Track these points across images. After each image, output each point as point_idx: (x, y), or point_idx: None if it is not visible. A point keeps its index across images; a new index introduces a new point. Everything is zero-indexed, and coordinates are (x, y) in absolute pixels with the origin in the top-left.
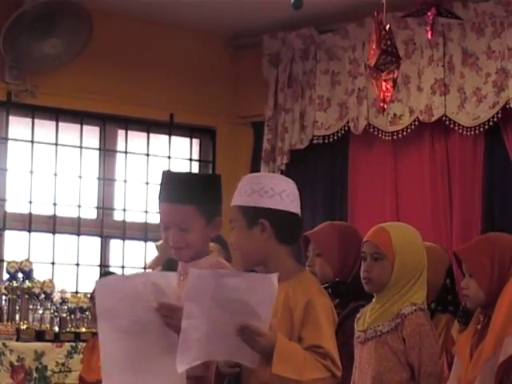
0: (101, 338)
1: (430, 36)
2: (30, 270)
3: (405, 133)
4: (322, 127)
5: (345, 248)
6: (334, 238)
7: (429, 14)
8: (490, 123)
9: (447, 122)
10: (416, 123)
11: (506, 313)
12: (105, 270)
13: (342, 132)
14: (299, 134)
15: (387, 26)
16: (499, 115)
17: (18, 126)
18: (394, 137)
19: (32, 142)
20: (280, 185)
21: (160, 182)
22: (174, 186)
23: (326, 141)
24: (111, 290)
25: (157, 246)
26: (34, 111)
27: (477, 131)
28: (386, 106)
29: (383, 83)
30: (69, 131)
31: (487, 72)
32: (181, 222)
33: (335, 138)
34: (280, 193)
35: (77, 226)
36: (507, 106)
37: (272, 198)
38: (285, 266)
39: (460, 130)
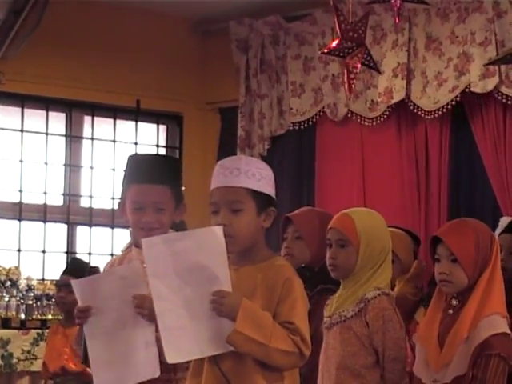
0: (88, 340)
1: (396, 20)
2: None
3: (382, 119)
4: (297, 113)
5: (324, 234)
6: (316, 223)
7: None
8: (449, 107)
9: (411, 107)
10: (377, 105)
11: (481, 295)
12: (72, 257)
13: (317, 117)
14: (278, 120)
15: (350, 12)
16: (458, 99)
17: None
18: (374, 123)
19: None
20: (272, 173)
21: (129, 165)
22: (150, 167)
23: (303, 127)
24: (88, 291)
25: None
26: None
27: (436, 115)
28: (352, 90)
29: (348, 68)
30: (34, 117)
31: (449, 56)
32: (158, 202)
33: (310, 123)
34: (274, 182)
35: (43, 213)
36: (467, 90)
37: (273, 187)
38: (264, 250)
39: (422, 115)
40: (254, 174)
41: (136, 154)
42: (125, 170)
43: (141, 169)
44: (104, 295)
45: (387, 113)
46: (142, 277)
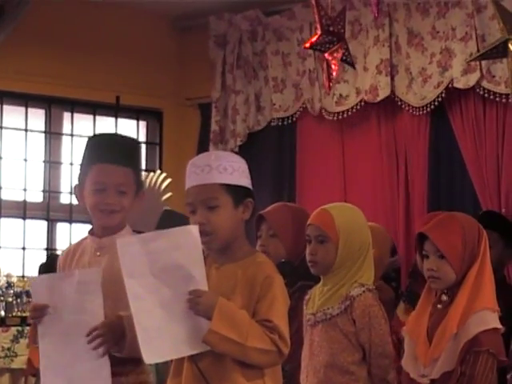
0: (40, 339)
1: (375, 15)
2: None
3: (350, 113)
4: (280, 109)
5: (298, 229)
6: (289, 219)
7: None
8: (436, 103)
9: (399, 103)
10: (362, 103)
11: (470, 290)
12: (50, 253)
13: (299, 113)
14: (256, 116)
15: (329, 6)
16: (443, 95)
17: None
18: (340, 117)
19: None
20: (245, 165)
21: (90, 145)
22: (114, 146)
23: (284, 123)
24: (45, 289)
25: None
26: None
27: (424, 111)
28: (331, 85)
29: (328, 63)
30: (13, 114)
31: (432, 52)
32: (121, 184)
33: (294, 119)
34: (248, 173)
35: (23, 210)
36: (450, 86)
37: (248, 178)
38: (245, 245)
39: (410, 111)
40: (226, 168)
41: (97, 135)
42: (84, 152)
43: (104, 148)
44: (61, 296)
45: (368, 108)
46: (99, 285)
